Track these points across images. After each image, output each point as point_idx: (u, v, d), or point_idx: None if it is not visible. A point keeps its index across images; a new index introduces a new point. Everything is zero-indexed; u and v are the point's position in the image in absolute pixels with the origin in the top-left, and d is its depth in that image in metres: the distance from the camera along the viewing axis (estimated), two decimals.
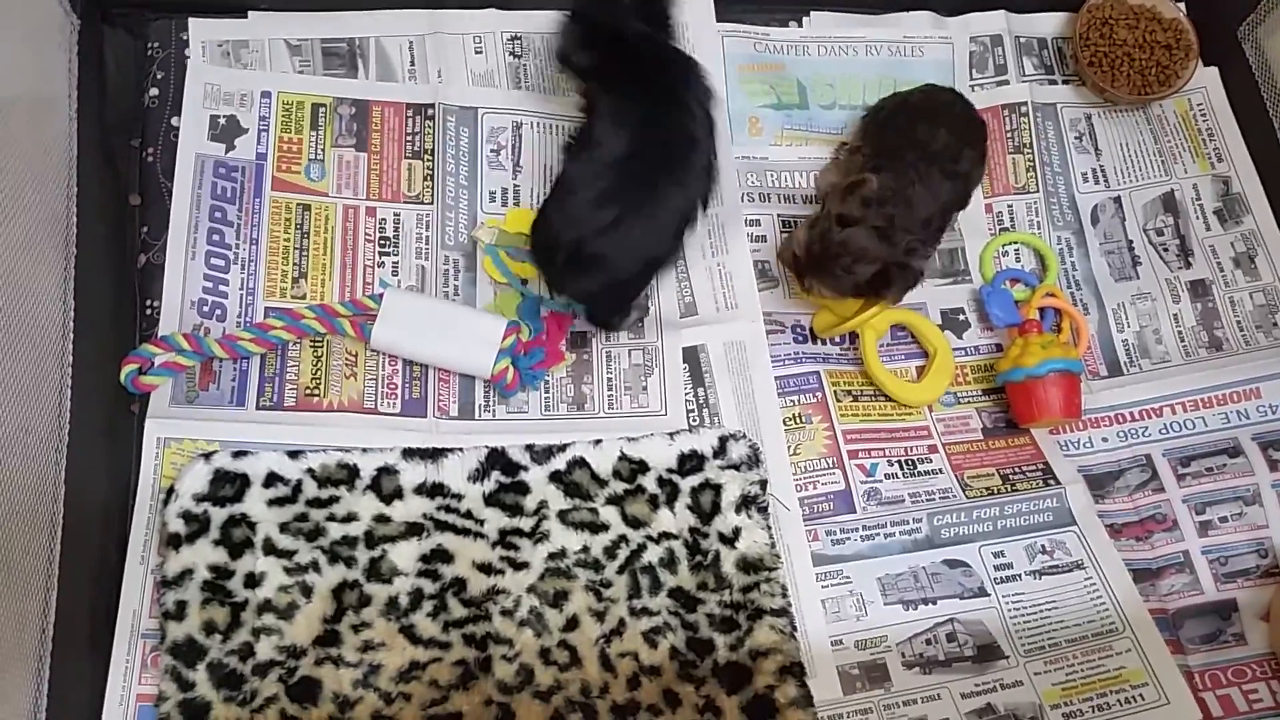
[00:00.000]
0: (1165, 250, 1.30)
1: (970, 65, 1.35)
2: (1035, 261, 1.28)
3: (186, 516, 1.02)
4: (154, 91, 1.19)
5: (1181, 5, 1.36)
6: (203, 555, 1.01)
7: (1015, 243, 1.28)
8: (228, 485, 1.04)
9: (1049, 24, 1.38)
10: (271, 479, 1.05)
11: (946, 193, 1.13)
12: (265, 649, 0.99)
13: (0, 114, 0.96)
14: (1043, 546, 1.13)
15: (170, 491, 1.03)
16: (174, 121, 1.18)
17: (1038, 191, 1.30)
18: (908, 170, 1.10)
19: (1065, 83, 1.36)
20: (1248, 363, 1.23)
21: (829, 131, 1.31)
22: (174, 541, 1.01)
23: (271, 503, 1.04)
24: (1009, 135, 1.32)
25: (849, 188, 1.09)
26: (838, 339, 1.21)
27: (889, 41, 1.35)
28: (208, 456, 1.05)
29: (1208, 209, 1.31)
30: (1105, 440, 1.20)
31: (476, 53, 1.26)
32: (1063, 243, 1.29)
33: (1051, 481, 1.16)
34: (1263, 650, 1.10)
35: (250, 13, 1.23)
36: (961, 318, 1.25)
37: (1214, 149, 1.34)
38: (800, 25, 1.34)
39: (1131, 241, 1.30)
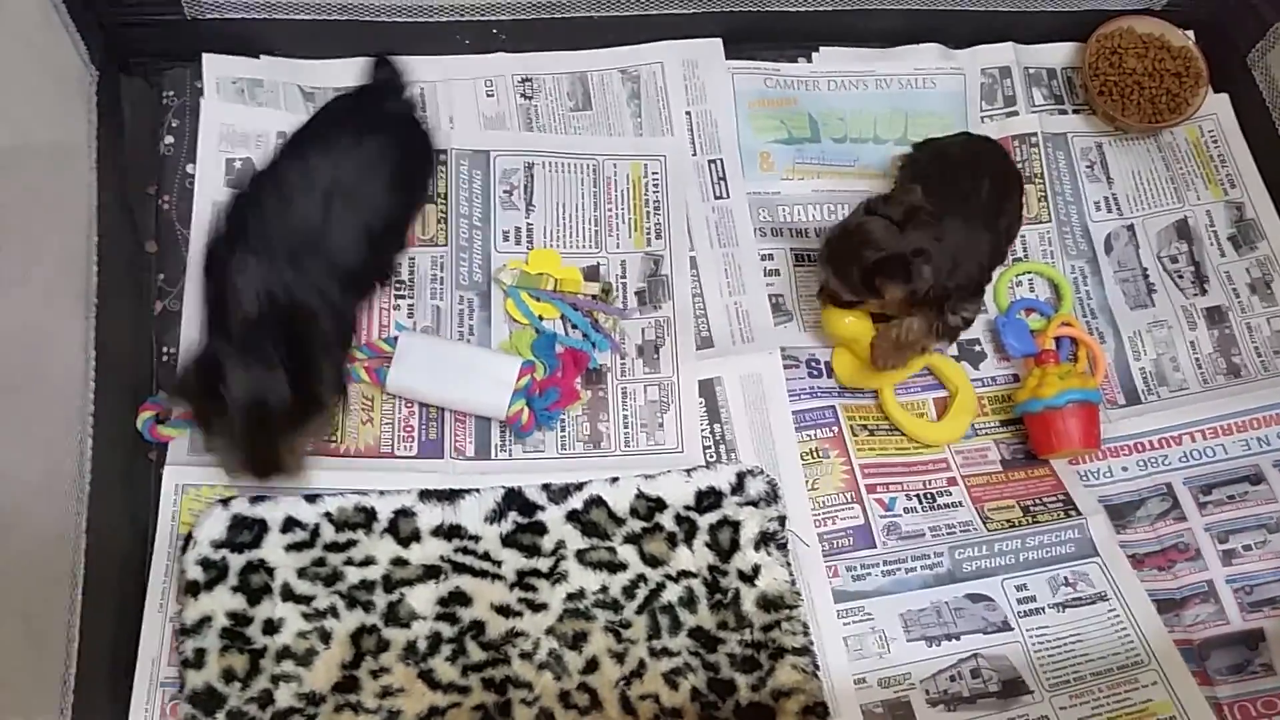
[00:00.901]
0: (1180, 277, 1.29)
1: (980, 97, 1.35)
2: (1050, 291, 1.28)
3: (205, 563, 1.02)
4: (169, 139, 1.20)
5: (1190, 33, 1.37)
6: (221, 602, 1.01)
7: (1029, 273, 1.28)
8: (245, 531, 1.04)
9: (1058, 54, 1.39)
10: (289, 524, 1.05)
11: (986, 244, 1.12)
12: (284, 696, 0.99)
13: (23, 163, 0.98)
14: (1065, 578, 1.12)
15: (188, 538, 1.03)
16: (189, 169, 1.19)
17: (1050, 221, 1.30)
18: (947, 221, 1.08)
19: (1075, 112, 1.36)
20: (1267, 388, 1.22)
21: (842, 165, 1.31)
22: (192, 589, 1.01)
23: (289, 548, 1.04)
24: (1020, 165, 1.32)
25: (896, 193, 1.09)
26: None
27: (900, 74, 1.35)
28: (225, 502, 1.05)
29: (1222, 235, 1.31)
30: (1125, 470, 1.20)
31: (488, 95, 1.28)
32: (1077, 271, 1.29)
33: (1073, 512, 1.15)
34: None
35: (264, 57, 1.25)
36: (978, 349, 1.25)
37: (1227, 175, 1.34)
38: (810, 61, 1.35)
39: (1146, 269, 1.30)
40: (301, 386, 0.94)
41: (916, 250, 1.04)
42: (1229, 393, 1.23)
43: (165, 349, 1.13)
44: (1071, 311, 1.25)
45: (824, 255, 1.12)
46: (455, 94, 1.26)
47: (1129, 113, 1.32)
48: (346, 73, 1.25)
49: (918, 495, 1.15)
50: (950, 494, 1.16)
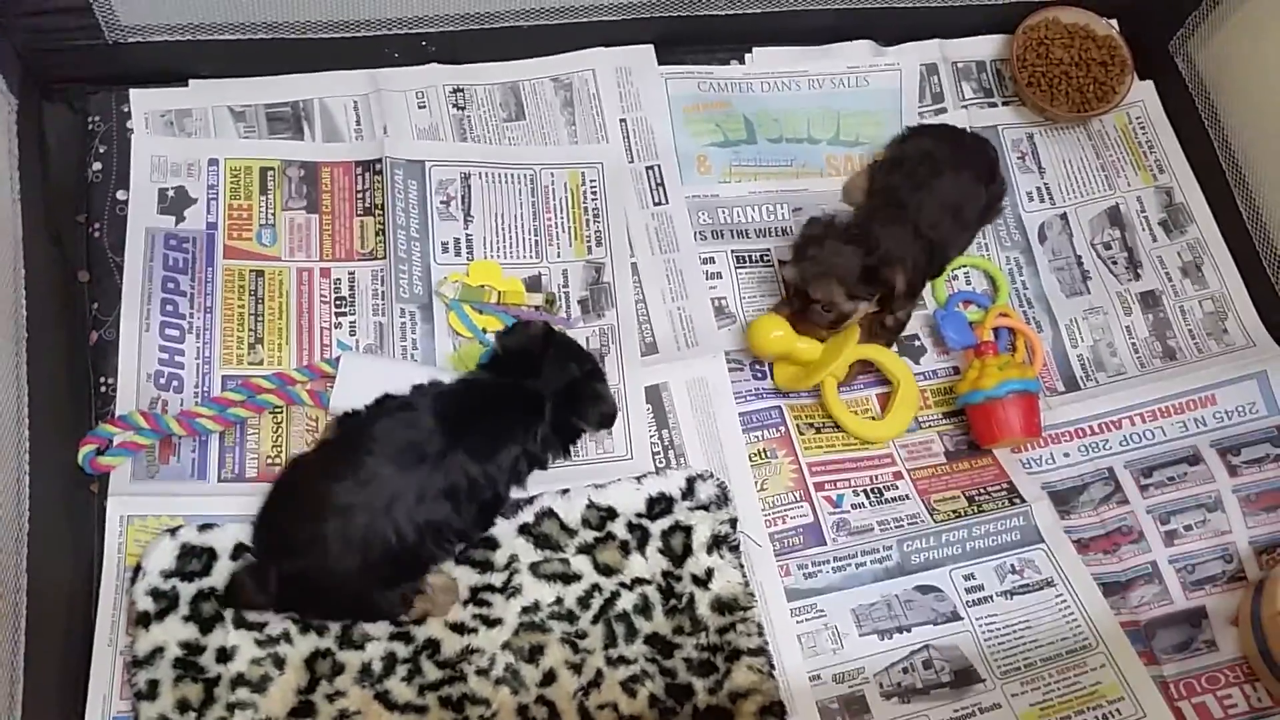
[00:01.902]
0: (1114, 264, 1.32)
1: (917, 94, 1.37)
2: (987, 283, 1.30)
3: (155, 594, 1.01)
4: (97, 166, 1.18)
5: (1114, 22, 1.39)
6: (173, 632, 1.00)
7: (965, 266, 1.30)
8: (195, 560, 1.03)
9: (986, 47, 1.40)
10: (239, 550, 1.03)
11: (921, 249, 1.16)
12: None
13: None
14: (1012, 566, 1.14)
15: (137, 569, 1.02)
16: (119, 195, 1.17)
17: None
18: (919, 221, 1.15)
19: (1005, 104, 1.38)
20: (1201, 370, 1.25)
21: (778, 165, 1.32)
22: (143, 620, 1.00)
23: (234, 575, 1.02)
24: None
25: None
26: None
27: (832, 74, 1.36)
28: (173, 532, 1.03)
29: (1153, 220, 1.34)
30: (1067, 455, 1.22)
31: (420, 107, 1.27)
32: (1012, 262, 1.31)
33: (1017, 500, 1.17)
34: (1234, 655, 1.12)
35: (191, 81, 1.23)
36: (917, 343, 1.26)
37: (1155, 161, 1.36)
38: (743, 63, 1.35)
39: (1080, 257, 1.32)
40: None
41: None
42: (1165, 375, 1.25)
43: (103, 379, 1.11)
44: (1008, 302, 1.27)
45: (810, 262, 1.12)
46: (387, 105, 1.26)
47: (1058, 103, 1.34)
48: (275, 90, 1.24)
49: (865, 490, 1.16)
50: (897, 488, 1.17)
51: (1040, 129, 1.37)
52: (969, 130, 1.31)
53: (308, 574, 0.93)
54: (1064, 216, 1.34)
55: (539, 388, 1.02)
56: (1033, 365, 1.22)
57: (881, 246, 1.11)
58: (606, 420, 1.07)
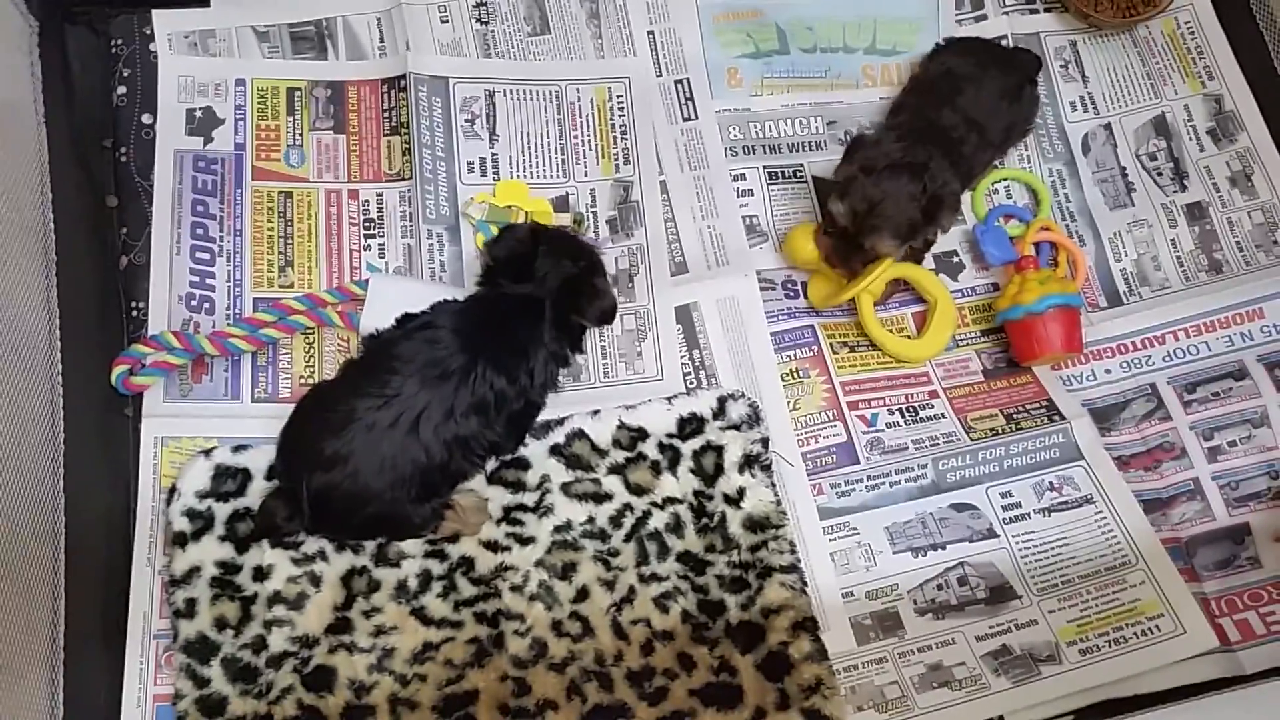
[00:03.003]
0: (1159, 175, 1.27)
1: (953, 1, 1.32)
2: (1028, 196, 1.26)
3: (191, 514, 1.02)
4: (121, 90, 1.17)
5: None
6: (209, 552, 1.01)
7: (1006, 179, 1.26)
8: (230, 480, 1.04)
9: None
10: (273, 471, 1.04)
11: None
12: (278, 641, 1.00)
13: None
14: (1050, 483, 1.12)
15: (172, 490, 1.03)
16: (144, 119, 1.17)
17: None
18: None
19: (1047, 10, 1.33)
20: (1249, 283, 1.21)
21: (813, 76, 1.28)
22: (180, 540, 1.01)
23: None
24: None
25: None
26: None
27: None
28: (208, 453, 1.04)
29: (1200, 130, 1.29)
30: (1109, 372, 1.19)
31: (443, 22, 1.24)
32: (1054, 175, 1.27)
33: (1056, 417, 1.14)
34: (1278, 572, 1.09)
35: (213, 1, 1.21)
36: (955, 260, 1.24)
37: (1204, 68, 1.31)
38: None
39: (1124, 168, 1.28)
40: None
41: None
42: (1211, 289, 1.22)
43: (134, 303, 1.11)
44: (1050, 215, 1.24)
45: (861, 230, 1.08)
46: (409, 19, 1.23)
47: (1102, 8, 1.29)
48: (297, 8, 1.22)
49: (900, 409, 1.15)
50: (932, 406, 1.16)
51: (1084, 36, 1.32)
52: (1001, 43, 1.26)
53: (337, 490, 0.93)
54: (1108, 126, 1.29)
55: (534, 290, 1.01)
56: (1075, 280, 1.19)
57: (936, 180, 1.07)
58: (607, 316, 1.04)
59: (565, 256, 1.03)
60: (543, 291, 1.01)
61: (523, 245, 1.03)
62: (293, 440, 0.98)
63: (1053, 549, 1.10)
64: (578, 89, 1.24)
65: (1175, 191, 1.27)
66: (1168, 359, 1.19)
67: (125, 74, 1.18)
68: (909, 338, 1.19)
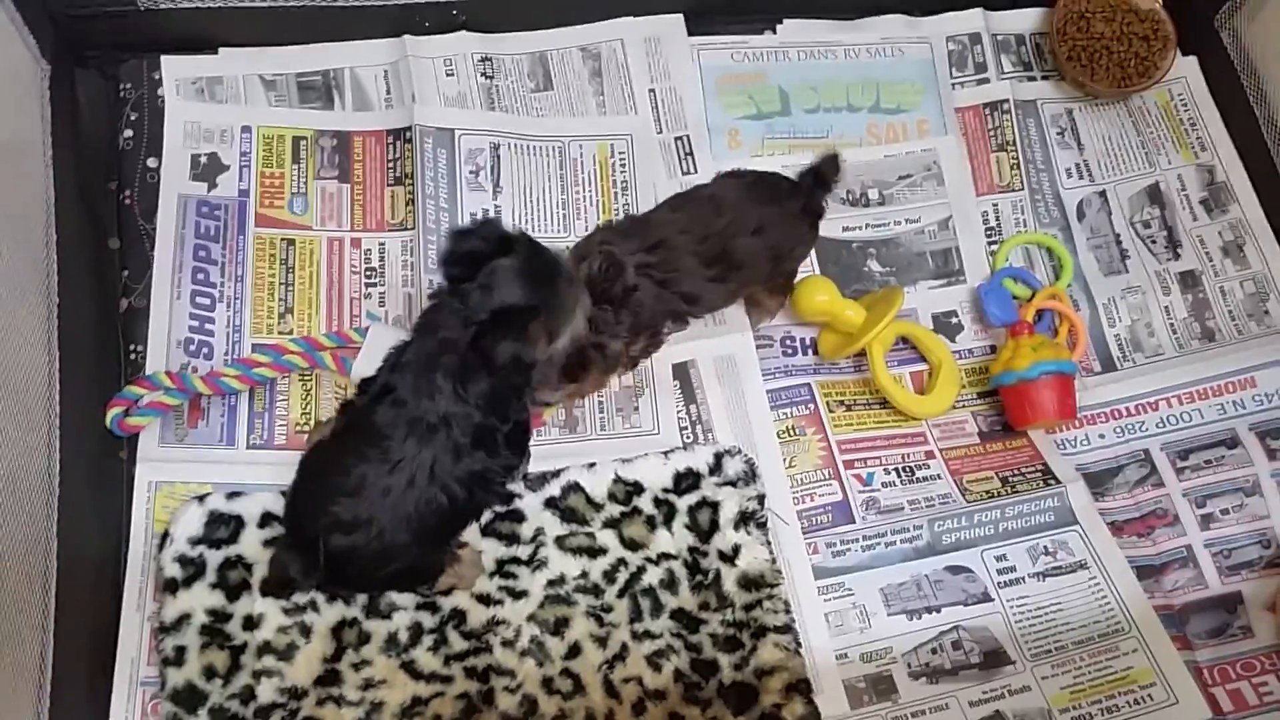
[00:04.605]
0: (1153, 242, 1.29)
1: (950, 64, 1.34)
2: (1046, 262, 1.28)
3: (182, 560, 1.01)
4: (128, 133, 1.18)
5: None
6: (200, 599, 1.00)
7: (1033, 243, 1.28)
8: (223, 527, 1.03)
9: (1025, 20, 1.38)
10: (266, 519, 1.04)
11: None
12: (266, 691, 0.99)
13: None
14: (1045, 548, 1.13)
15: (165, 536, 1.02)
16: (150, 162, 1.17)
17: (1023, 189, 1.30)
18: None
19: (1045, 78, 1.36)
20: (1241, 352, 1.23)
21: (815, 136, 1.30)
22: (170, 586, 1.00)
23: (267, 543, 1.03)
24: (991, 134, 1.31)
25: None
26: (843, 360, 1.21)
27: (867, 44, 1.34)
28: (201, 499, 1.04)
29: (1194, 199, 1.31)
30: (1103, 437, 1.20)
31: (448, 75, 1.26)
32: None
33: (1051, 481, 1.15)
34: (1270, 642, 1.10)
35: (221, 49, 1.23)
36: (955, 320, 1.25)
37: (1197, 138, 1.33)
38: (775, 33, 1.33)
39: (1119, 235, 1.29)
40: None
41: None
42: (1204, 357, 1.23)
43: (132, 346, 1.11)
44: (1067, 287, 1.25)
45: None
46: (415, 71, 1.24)
47: (1098, 78, 1.31)
48: (305, 59, 1.24)
49: (896, 469, 1.15)
50: (929, 467, 1.16)
51: (1080, 104, 1.35)
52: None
53: (361, 551, 0.90)
54: (1103, 194, 1.31)
55: (465, 309, 0.87)
56: (1075, 351, 1.20)
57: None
58: (515, 367, 0.88)
59: (521, 280, 0.88)
60: (471, 312, 0.87)
61: (486, 246, 0.89)
62: (303, 502, 0.95)
63: (1046, 614, 1.09)
64: (580, 145, 1.25)
65: (1169, 259, 1.28)
66: (1161, 425, 1.20)
67: (132, 118, 1.19)
68: (917, 395, 1.20)
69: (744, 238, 1.03)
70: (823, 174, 1.12)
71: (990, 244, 1.28)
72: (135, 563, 1.03)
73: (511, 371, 0.89)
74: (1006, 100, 1.32)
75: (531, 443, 1.01)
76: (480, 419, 0.91)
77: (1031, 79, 1.35)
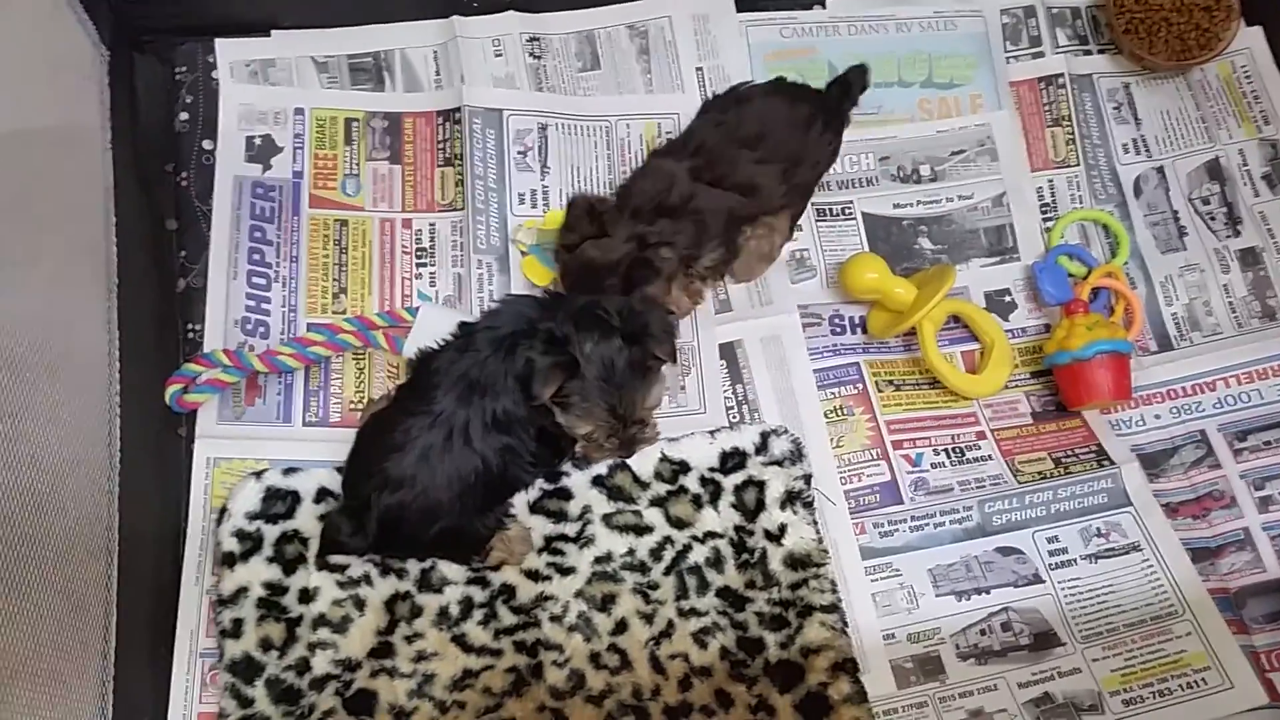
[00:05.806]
0: (1212, 219, 1.26)
1: (1004, 37, 1.32)
2: (1104, 240, 1.25)
3: (240, 535, 1.04)
4: (184, 116, 1.21)
5: None
6: (257, 573, 1.03)
7: (1089, 220, 1.25)
8: (279, 502, 1.05)
9: None
10: (322, 494, 1.06)
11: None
12: (321, 663, 1.01)
13: (35, 147, 0.98)
14: (1098, 529, 1.11)
15: (223, 511, 1.05)
16: (205, 144, 1.20)
17: (1078, 165, 1.27)
18: None
19: (1101, 52, 1.33)
20: None
21: (864, 112, 1.28)
22: (228, 560, 1.03)
23: (322, 518, 1.05)
24: (1046, 108, 1.29)
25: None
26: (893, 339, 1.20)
27: (919, 18, 1.32)
28: (258, 475, 1.06)
29: (1255, 174, 1.27)
30: (1158, 417, 1.18)
31: (496, 55, 1.26)
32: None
33: (1105, 462, 1.13)
34: None
35: (274, 32, 1.25)
36: (1008, 299, 1.23)
37: (1260, 111, 1.30)
38: (825, 7, 1.32)
39: (1177, 212, 1.27)
40: None
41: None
42: (1264, 336, 1.20)
43: (190, 325, 1.13)
44: (1124, 264, 1.23)
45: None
46: (464, 53, 1.25)
47: (1156, 50, 1.28)
48: (356, 40, 1.25)
49: (946, 449, 1.14)
50: (979, 448, 1.15)
51: (1138, 78, 1.32)
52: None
53: (409, 508, 0.95)
54: (1160, 170, 1.28)
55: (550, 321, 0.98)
56: (1131, 330, 1.18)
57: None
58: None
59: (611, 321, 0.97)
60: (555, 325, 0.98)
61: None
62: (358, 463, 1.00)
63: (1098, 596, 1.08)
64: (627, 124, 1.25)
65: (1228, 236, 1.25)
66: (1218, 406, 1.18)
67: (188, 101, 1.21)
68: (969, 374, 1.18)
69: (772, 119, 1.11)
70: (848, 83, 1.18)
71: (1045, 221, 1.26)
72: (194, 537, 1.06)
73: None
74: (1062, 74, 1.30)
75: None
76: (509, 405, 0.97)
77: (1087, 52, 1.33)
